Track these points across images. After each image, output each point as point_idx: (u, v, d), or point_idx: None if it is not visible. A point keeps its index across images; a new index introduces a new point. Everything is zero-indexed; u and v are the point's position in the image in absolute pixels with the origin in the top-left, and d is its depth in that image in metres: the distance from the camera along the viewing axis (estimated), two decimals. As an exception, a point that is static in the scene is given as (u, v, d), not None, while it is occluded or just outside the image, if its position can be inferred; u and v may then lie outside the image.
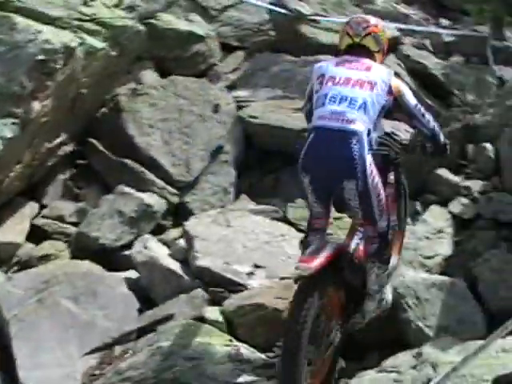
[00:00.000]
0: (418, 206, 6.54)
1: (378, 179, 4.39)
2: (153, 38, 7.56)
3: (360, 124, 4.33)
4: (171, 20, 8.08)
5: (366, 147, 4.31)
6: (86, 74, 6.56)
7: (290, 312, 4.28)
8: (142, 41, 7.21)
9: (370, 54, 4.65)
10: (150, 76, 7.64)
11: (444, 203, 6.49)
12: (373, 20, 4.81)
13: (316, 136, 4.36)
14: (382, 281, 4.66)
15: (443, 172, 6.78)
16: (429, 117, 4.71)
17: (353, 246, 4.70)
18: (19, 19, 6.14)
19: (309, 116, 4.56)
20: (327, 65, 4.61)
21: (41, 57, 5.95)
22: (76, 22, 6.59)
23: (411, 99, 4.63)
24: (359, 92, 4.40)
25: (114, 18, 6.96)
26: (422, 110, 4.68)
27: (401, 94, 4.57)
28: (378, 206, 4.40)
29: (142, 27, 7.17)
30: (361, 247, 4.67)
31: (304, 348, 4.09)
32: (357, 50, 4.64)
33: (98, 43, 6.60)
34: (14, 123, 5.80)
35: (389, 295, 4.86)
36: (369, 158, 4.32)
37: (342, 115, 4.34)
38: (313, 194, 4.40)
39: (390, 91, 4.50)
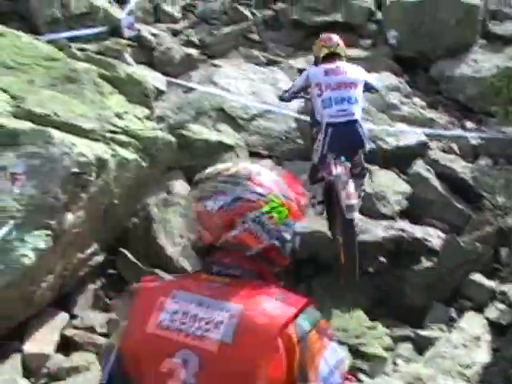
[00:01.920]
0: (453, 313, 6.44)
1: None
2: (183, 148, 7.69)
3: (358, 114, 6.69)
4: (201, 130, 8.24)
5: (363, 127, 6.77)
6: (118, 185, 6.64)
7: None
8: (172, 151, 7.31)
9: (341, 59, 7.01)
10: (180, 186, 7.71)
11: (480, 309, 6.37)
12: (336, 36, 7.24)
13: (333, 130, 6.56)
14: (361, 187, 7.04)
15: (477, 277, 6.69)
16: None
17: None
18: (54, 132, 6.27)
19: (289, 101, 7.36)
20: (318, 74, 6.84)
21: (75, 170, 6.04)
22: (109, 134, 6.75)
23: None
24: (350, 92, 6.67)
25: (145, 129, 7.11)
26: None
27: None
28: None
29: (172, 138, 7.29)
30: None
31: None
32: (332, 57, 6.99)
33: (129, 155, 6.72)
34: (47, 235, 5.82)
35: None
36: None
37: (346, 111, 6.61)
38: (333, 158, 6.56)
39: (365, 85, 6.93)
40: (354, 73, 6.92)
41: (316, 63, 7.16)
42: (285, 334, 2.14)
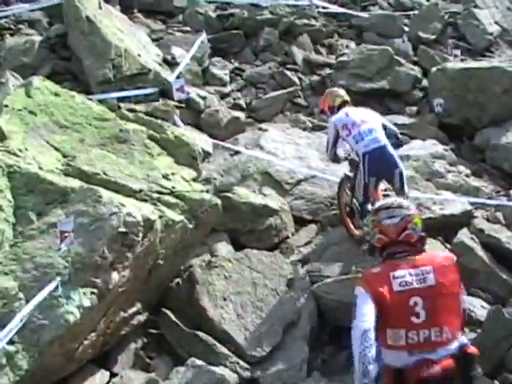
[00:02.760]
0: (497, 387, 6.29)
1: None
2: (228, 211, 7.75)
3: (384, 139, 7.39)
4: (246, 193, 8.29)
5: (393, 150, 7.42)
6: (164, 246, 6.71)
7: None
8: (217, 213, 7.37)
9: (350, 105, 7.86)
10: (224, 248, 7.74)
11: (525, 382, 6.23)
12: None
13: (370, 156, 7.23)
14: None
15: (522, 351, 6.54)
16: None
17: None
18: (103, 192, 6.39)
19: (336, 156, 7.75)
20: (342, 118, 7.57)
21: (123, 229, 6.12)
22: (156, 195, 6.86)
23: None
24: (372, 124, 7.46)
25: (191, 191, 7.21)
26: None
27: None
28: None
29: (218, 200, 7.34)
30: None
31: None
32: (346, 104, 7.84)
33: (176, 216, 6.80)
34: (93, 293, 5.88)
35: None
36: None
37: (376, 139, 7.33)
38: (374, 185, 7.31)
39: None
40: (366, 110, 7.86)
41: (332, 113, 7.84)
42: (456, 262, 4.40)
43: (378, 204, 4.59)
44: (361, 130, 7.38)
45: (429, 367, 4.08)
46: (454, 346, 4.20)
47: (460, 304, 4.31)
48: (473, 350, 4.29)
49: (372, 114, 7.79)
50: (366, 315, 4.09)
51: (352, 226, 7.89)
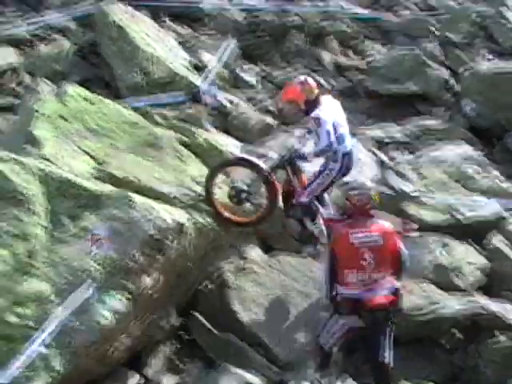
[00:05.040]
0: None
1: None
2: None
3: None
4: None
5: None
6: (194, 249, 6.76)
7: None
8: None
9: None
10: (253, 251, 7.77)
11: None
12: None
13: (348, 157, 7.16)
14: None
15: None
16: None
17: None
18: (136, 197, 6.47)
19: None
20: (332, 117, 7.05)
21: (154, 233, 6.19)
22: (187, 200, 6.91)
23: None
24: (346, 124, 7.28)
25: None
26: None
27: None
28: None
29: (247, 204, 7.35)
30: None
31: None
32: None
33: (206, 220, 6.85)
34: (125, 297, 5.96)
35: None
36: None
37: (349, 141, 7.29)
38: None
39: None
40: (335, 103, 7.52)
41: (309, 107, 7.07)
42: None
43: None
44: (342, 132, 7.09)
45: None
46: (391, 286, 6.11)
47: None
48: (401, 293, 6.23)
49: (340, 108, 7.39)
50: None
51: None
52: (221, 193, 7.15)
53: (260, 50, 12.13)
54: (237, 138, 9.72)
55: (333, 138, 6.92)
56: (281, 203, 7.25)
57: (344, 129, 7.17)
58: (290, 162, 7.11)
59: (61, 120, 7.29)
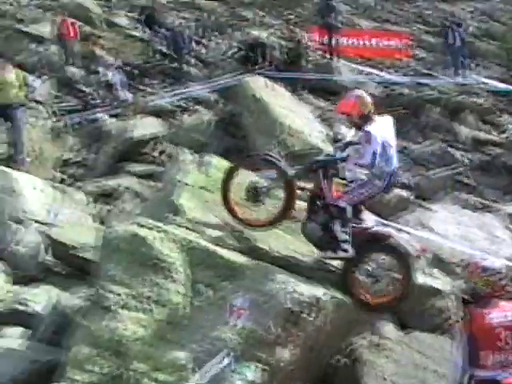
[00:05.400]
0: None
1: None
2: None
3: None
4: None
5: None
6: (330, 324, 6.69)
7: None
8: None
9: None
10: (389, 329, 7.64)
11: None
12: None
13: (392, 177, 7.15)
14: None
15: None
16: None
17: None
18: (273, 268, 6.55)
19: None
20: (383, 136, 7.00)
21: (292, 306, 6.22)
22: (323, 273, 6.89)
23: None
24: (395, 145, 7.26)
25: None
26: None
27: None
28: None
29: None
30: None
31: None
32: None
33: (343, 295, 6.77)
34: (263, 369, 6.00)
35: None
36: None
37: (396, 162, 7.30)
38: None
39: None
40: (388, 123, 7.48)
41: (363, 121, 7.09)
42: None
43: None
44: (391, 153, 7.08)
45: None
46: None
47: None
48: None
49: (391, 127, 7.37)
50: None
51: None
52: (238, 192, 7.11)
53: (396, 124, 12.15)
54: (373, 212, 9.70)
55: (377, 159, 6.90)
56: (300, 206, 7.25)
57: (393, 149, 7.16)
58: (326, 165, 7.12)
59: (203, 190, 7.52)
